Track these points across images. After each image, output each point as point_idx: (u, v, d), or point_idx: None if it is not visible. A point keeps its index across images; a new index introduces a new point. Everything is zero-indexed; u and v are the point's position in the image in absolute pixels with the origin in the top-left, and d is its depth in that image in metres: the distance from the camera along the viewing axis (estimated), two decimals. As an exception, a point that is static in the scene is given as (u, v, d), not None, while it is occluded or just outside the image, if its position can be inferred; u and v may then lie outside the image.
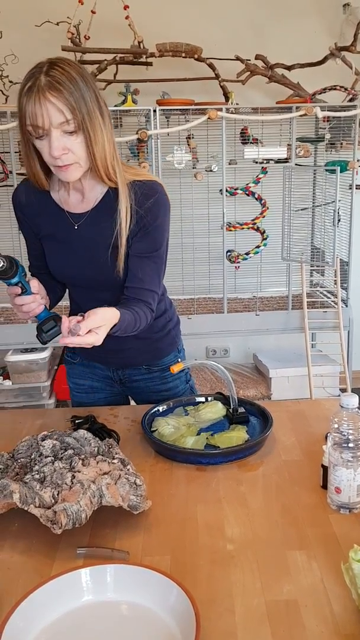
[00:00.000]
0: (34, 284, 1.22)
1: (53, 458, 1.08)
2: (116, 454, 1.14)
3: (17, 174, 2.53)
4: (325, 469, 1.07)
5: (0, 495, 0.97)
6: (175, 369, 1.35)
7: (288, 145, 2.78)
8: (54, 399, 2.88)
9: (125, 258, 1.27)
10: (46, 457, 1.08)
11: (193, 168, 2.78)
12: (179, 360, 1.52)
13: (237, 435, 1.27)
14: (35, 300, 1.22)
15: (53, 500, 0.97)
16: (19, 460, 1.13)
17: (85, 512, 0.95)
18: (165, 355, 1.49)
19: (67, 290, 1.47)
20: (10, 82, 2.77)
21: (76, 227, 1.30)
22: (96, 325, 1.11)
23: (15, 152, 2.56)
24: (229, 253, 2.90)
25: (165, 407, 1.42)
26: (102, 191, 1.27)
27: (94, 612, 0.80)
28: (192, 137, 2.76)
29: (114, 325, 1.16)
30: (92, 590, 0.82)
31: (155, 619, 0.78)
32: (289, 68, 2.90)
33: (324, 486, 1.08)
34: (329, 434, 1.05)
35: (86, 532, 0.99)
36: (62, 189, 1.29)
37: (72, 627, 0.78)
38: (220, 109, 2.62)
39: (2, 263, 1.15)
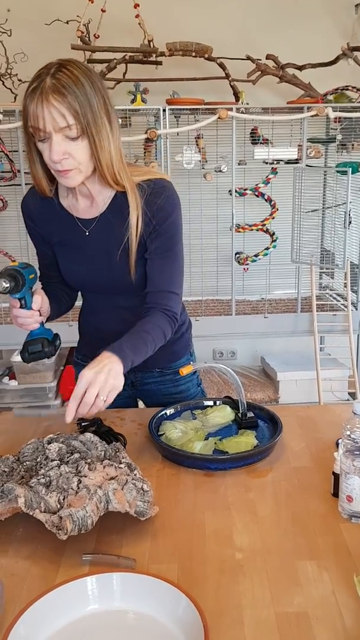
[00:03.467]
0: (37, 300, 1.22)
1: (59, 462, 1.06)
2: (123, 458, 1.12)
3: (25, 173, 2.52)
4: (336, 476, 1.05)
5: (5, 500, 0.96)
6: (185, 371, 1.34)
7: (299, 145, 2.76)
8: (60, 400, 2.87)
9: (139, 261, 1.26)
10: (52, 460, 1.07)
11: (202, 168, 2.77)
12: (191, 363, 1.51)
13: (246, 441, 1.25)
14: (33, 316, 1.22)
15: (59, 505, 0.96)
16: (24, 464, 1.11)
17: (91, 518, 0.93)
18: (179, 359, 1.48)
19: (78, 293, 1.46)
20: (20, 80, 2.77)
21: (87, 233, 1.29)
22: (93, 395, 1.08)
23: (24, 151, 2.55)
24: (237, 255, 2.88)
25: (172, 410, 1.41)
26: (110, 195, 1.25)
27: (99, 621, 0.79)
28: (202, 137, 2.75)
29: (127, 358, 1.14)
30: (98, 599, 0.81)
31: (163, 630, 0.76)
32: (300, 68, 2.88)
33: (335, 494, 1.06)
34: (340, 441, 1.03)
35: (92, 537, 0.98)
36: (70, 195, 1.28)
37: (78, 636, 0.77)
38: (231, 109, 2.60)
39: (6, 285, 1.14)
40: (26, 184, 2.51)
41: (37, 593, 0.82)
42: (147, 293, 1.27)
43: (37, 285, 1.30)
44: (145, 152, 2.72)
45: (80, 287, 1.41)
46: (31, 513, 0.95)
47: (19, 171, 2.55)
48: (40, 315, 1.25)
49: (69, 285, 1.42)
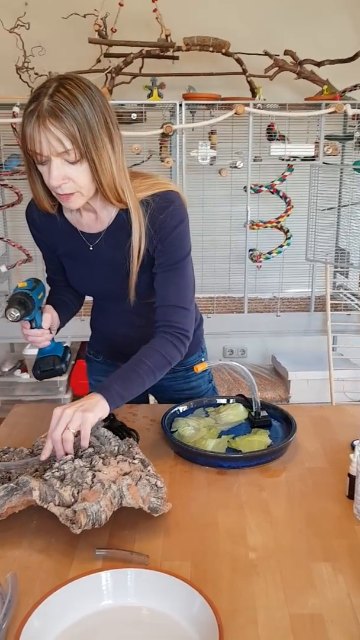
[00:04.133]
0: (47, 318, 1.22)
1: (73, 456, 1.06)
2: (136, 453, 1.12)
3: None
4: (352, 478, 1.05)
5: (19, 492, 0.96)
6: (199, 368, 1.34)
7: (315, 142, 2.74)
8: (71, 394, 2.88)
9: (145, 273, 1.24)
10: (66, 454, 1.07)
11: (210, 165, 2.75)
12: (203, 359, 1.50)
13: (259, 440, 1.25)
14: (43, 335, 1.22)
15: (73, 499, 0.96)
16: (38, 456, 1.11)
17: (105, 512, 0.93)
18: (190, 355, 1.47)
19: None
20: (36, 74, 2.77)
21: (91, 248, 1.27)
22: (59, 432, 1.06)
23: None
24: (251, 252, 2.87)
25: (185, 407, 1.40)
26: (115, 211, 1.23)
27: (113, 617, 0.79)
28: (215, 133, 2.73)
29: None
30: (112, 594, 0.81)
31: (176, 628, 0.76)
32: (318, 64, 2.85)
33: (350, 496, 1.05)
34: (355, 442, 1.03)
35: (105, 532, 0.98)
36: (74, 209, 1.25)
37: (92, 631, 0.77)
38: (247, 105, 2.59)
39: (16, 314, 1.14)
40: (41, 177, 2.51)
41: (51, 586, 0.83)
42: (156, 308, 1.24)
43: (44, 303, 1.30)
44: (161, 148, 2.71)
45: (88, 294, 1.41)
46: (45, 506, 0.95)
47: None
48: (50, 332, 1.25)
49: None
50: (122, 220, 1.21)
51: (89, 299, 1.48)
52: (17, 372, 2.88)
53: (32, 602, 0.79)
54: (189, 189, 2.74)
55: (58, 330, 1.32)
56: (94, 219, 1.25)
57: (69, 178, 1.08)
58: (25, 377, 2.79)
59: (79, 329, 2.67)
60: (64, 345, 1.30)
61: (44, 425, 1.33)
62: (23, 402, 2.77)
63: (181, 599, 0.78)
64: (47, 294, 1.34)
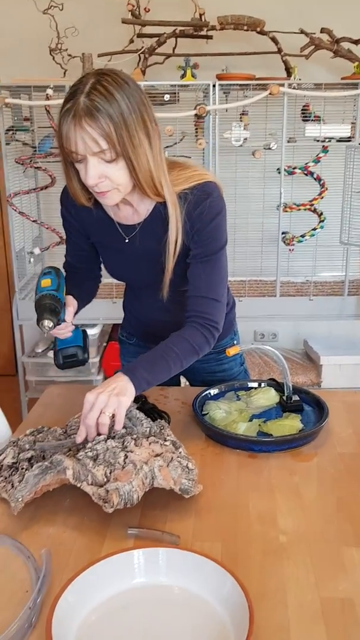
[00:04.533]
0: (70, 312, 1.23)
1: (105, 436, 1.08)
2: (168, 435, 1.13)
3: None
4: (385, 464, 1.03)
5: (54, 471, 0.98)
6: (232, 352, 1.33)
7: (352, 123, 2.67)
8: (102, 375, 2.91)
9: (180, 264, 1.23)
10: (99, 434, 1.08)
11: (239, 146, 2.70)
12: (235, 343, 1.50)
13: (291, 424, 1.24)
14: (66, 327, 1.23)
15: (105, 479, 0.97)
16: (71, 437, 1.14)
17: (137, 492, 0.95)
18: (222, 339, 1.46)
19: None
20: (69, 55, 2.76)
21: (127, 240, 1.27)
22: (94, 417, 1.07)
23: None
24: (283, 235, 2.83)
25: (216, 390, 1.40)
26: (152, 203, 1.22)
27: (145, 594, 0.80)
28: (247, 114, 2.69)
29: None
30: (144, 573, 0.82)
31: (207, 607, 0.77)
32: (355, 42, 2.77)
33: (383, 482, 1.04)
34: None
35: (136, 512, 0.99)
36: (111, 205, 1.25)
37: (124, 607, 0.78)
38: (282, 85, 2.53)
39: (50, 325, 1.14)
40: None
41: (84, 563, 0.85)
42: (188, 297, 1.24)
43: (66, 297, 1.27)
44: (196, 129, 2.68)
45: (122, 281, 1.42)
46: (79, 485, 0.97)
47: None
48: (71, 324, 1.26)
49: (95, 273, 1.43)
50: (160, 213, 1.21)
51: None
52: (51, 354, 2.92)
53: (66, 578, 0.81)
54: (221, 170, 2.71)
55: (75, 313, 1.32)
56: (131, 212, 1.24)
57: (105, 176, 1.08)
58: (58, 358, 2.82)
59: (110, 311, 2.70)
60: (81, 329, 1.30)
61: (76, 406, 1.35)
62: (56, 382, 2.81)
63: (212, 580, 0.79)
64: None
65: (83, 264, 1.40)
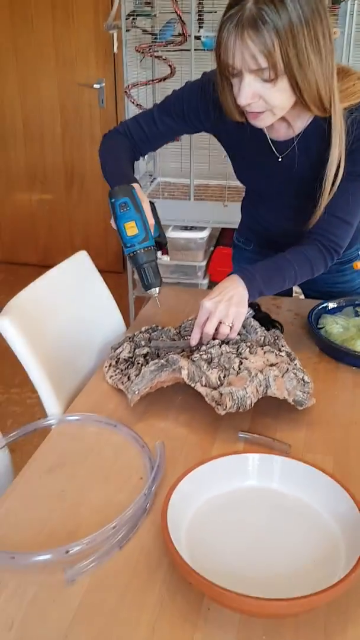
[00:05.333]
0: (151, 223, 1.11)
1: (220, 341, 1.07)
2: (282, 346, 1.11)
3: (195, 37, 2.37)
4: None
5: (169, 369, 1.00)
6: None
7: None
8: (208, 280, 2.90)
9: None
10: (213, 339, 1.08)
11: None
12: (360, 254, 1.40)
13: None
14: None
15: (219, 382, 0.98)
16: (185, 338, 1.14)
17: (250, 399, 0.95)
18: (348, 248, 1.37)
19: None
20: None
21: (280, 159, 1.17)
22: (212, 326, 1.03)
23: (197, 13, 2.39)
24: None
25: (334, 304, 1.34)
26: (310, 117, 1.11)
27: (258, 496, 0.82)
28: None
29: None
30: (257, 476, 0.83)
31: (319, 518, 0.78)
32: None
33: None
34: None
35: (247, 417, 1.00)
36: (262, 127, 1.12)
37: (236, 503, 0.81)
38: None
39: (157, 290, 1.12)
40: (195, 49, 2.36)
41: (195, 458, 0.88)
42: (322, 213, 1.13)
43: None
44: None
45: (255, 191, 1.34)
46: (192, 385, 0.98)
47: (189, 35, 2.40)
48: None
49: (141, 155, 1.29)
50: (319, 128, 1.10)
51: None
52: (158, 254, 2.94)
53: (178, 471, 0.84)
54: (354, 62, 2.45)
55: None
56: (285, 126, 1.14)
57: (260, 96, 0.98)
58: (166, 259, 2.83)
59: (220, 214, 2.64)
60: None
61: (188, 308, 1.36)
62: (165, 284, 2.85)
63: (324, 492, 0.78)
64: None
65: (145, 148, 1.28)
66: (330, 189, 1.10)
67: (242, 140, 1.19)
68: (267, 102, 1.00)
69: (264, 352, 1.04)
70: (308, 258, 1.12)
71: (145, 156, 2.81)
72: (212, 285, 2.93)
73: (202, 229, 2.77)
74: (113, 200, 1.07)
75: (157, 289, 1.13)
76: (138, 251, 1.08)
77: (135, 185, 1.10)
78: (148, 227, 1.08)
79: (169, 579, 0.71)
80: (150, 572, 0.73)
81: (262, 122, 1.05)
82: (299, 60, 0.93)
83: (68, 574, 0.71)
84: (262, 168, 1.22)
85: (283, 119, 1.10)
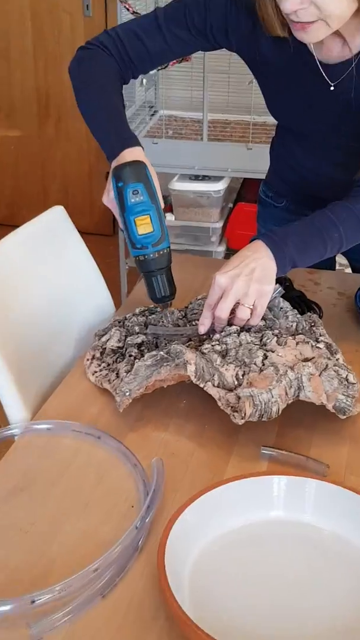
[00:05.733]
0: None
1: (238, 327, 1.07)
2: (320, 335, 1.11)
3: None
4: None
5: (171, 364, 1.00)
6: None
7: None
8: (224, 247, 2.90)
9: None
10: (229, 325, 1.08)
11: None
12: None
13: None
14: None
15: (236, 382, 0.98)
16: (193, 323, 1.14)
17: (277, 404, 0.95)
18: None
19: None
20: None
21: (332, 88, 1.18)
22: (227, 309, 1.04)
23: None
24: None
25: (391, 281, 1.34)
26: None
27: (284, 532, 0.82)
28: None
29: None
30: (284, 505, 0.84)
31: (361, 559, 0.79)
32: None
33: None
34: None
35: (273, 428, 1.01)
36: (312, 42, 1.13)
37: (256, 541, 0.82)
38: None
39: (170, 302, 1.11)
40: None
41: (203, 481, 0.89)
42: None
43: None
44: None
45: (292, 128, 1.35)
46: (202, 385, 0.98)
47: None
48: None
49: (127, 80, 1.27)
50: None
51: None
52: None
53: (180, 497, 0.85)
54: None
55: None
56: (339, 45, 1.15)
57: (311, 1, 0.99)
58: (170, 218, 2.83)
59: (243, 159, 2.62)
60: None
61: (196, 284, 1.36)
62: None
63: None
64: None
65: (141, 62, 1.25)
66: None
67: (281, 62, 1.20)
68: (320, 8, 1.00)
69: (297, 344, 1.05)
70: (358, 217, 1.11)
71: (144, 80, 2.82)
72: (230, 253, 2.92)
73: (217, 179, 2.75)
74: (121, 184, 1.05)
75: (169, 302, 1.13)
76: (150, 255, 1.07)
77: (146, 160, 1.08)
78: (164, 223, 1.07)
79: (165, 638, 0.72)
80: (142, 629, 0.73)
81: (311, 36, 1.05)
82: None
83: (34, 630, 0.72)
84: (306, 98, 1.23)
85: (338, 33, 1.10)
